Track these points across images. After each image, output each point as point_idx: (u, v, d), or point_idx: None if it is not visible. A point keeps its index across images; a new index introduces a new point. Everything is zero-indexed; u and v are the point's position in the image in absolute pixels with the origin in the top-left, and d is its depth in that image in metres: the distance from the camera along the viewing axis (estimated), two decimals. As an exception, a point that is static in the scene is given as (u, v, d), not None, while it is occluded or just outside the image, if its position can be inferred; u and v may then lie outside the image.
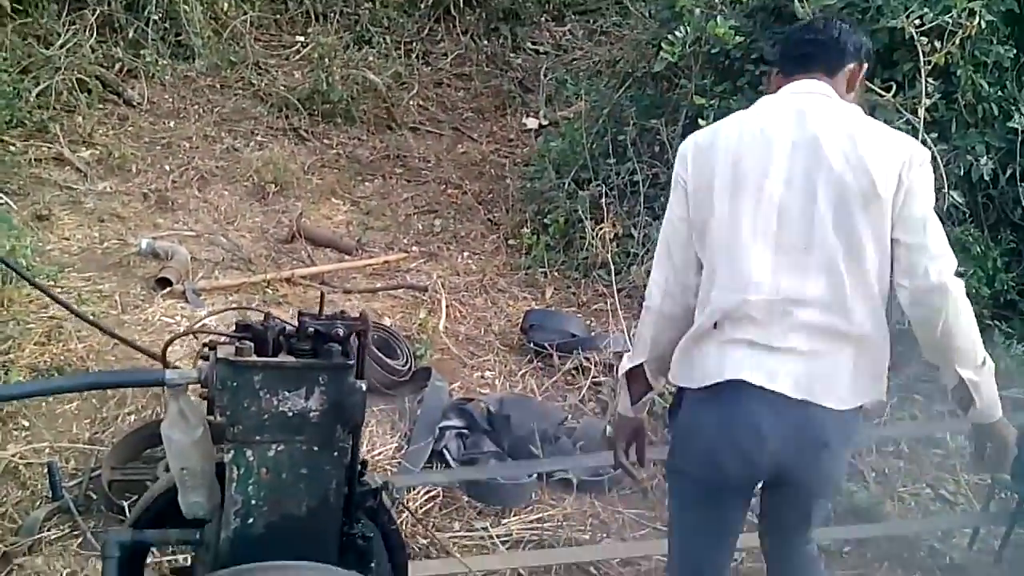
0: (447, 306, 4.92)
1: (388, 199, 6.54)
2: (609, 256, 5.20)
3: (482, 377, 4.38)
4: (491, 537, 3.22)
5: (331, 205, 6.29)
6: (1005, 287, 5.07)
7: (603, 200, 5.69)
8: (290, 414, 1.92)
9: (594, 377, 4.35)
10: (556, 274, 5.56)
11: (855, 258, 2.07)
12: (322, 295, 2.21)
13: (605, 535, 3.38)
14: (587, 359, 4.42)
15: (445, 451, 3.60)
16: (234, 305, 4.40)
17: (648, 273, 5.25)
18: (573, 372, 4.43)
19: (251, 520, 1.95)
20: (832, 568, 3.36)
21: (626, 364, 2.38)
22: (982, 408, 2.12)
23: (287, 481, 1.96)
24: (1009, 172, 4.91)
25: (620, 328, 4.73)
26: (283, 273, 4.91)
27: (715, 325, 2.15)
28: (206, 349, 1.97)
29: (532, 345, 4.58)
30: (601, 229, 5.42)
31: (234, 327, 2.02)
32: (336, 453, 1.98)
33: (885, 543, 3.60)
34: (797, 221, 2.11)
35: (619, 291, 5.36)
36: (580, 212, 5.70)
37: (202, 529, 2.00)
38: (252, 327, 1.96)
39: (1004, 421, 2.20)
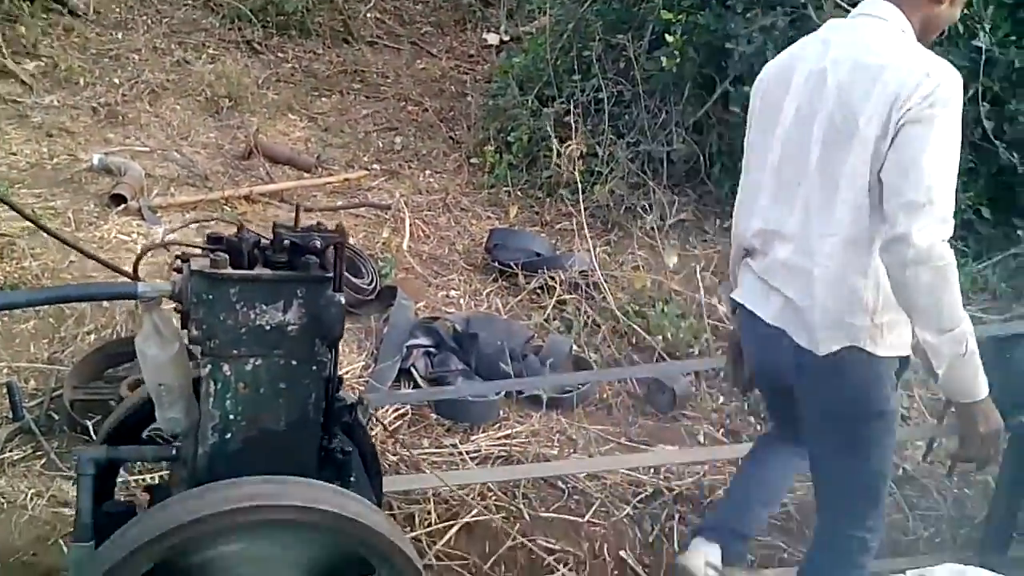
0: (411, 225, 4.86)
1: (346, 115, 6.40)
2: (577, 175, 5.16)
3: (447, 296, 4.36)
4: (460, 453, 3.24)
5: (287, 121, 6.14)
6: (962, 206, 5.14)
7: (568, 118, 5.61)
8: (267, 328, 1.88)
9: (559, 296, 4.35)
10: (519, 193, 5.51)
11: (828, 196, 2.06)
12: (297, 207, 2.16)
13: (572, 451, 3.42)
14: (552, 278, 4.41)
15: (413, 369, 3.59)
16: (194, 222, 4.29)
17: (612, 192, 5.24)
18: (538, 291, 4.42)
19: (229, 435, 1.92)
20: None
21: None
22: (944, 380, 1.98)
23: (265, 395, 1.92)
24: (971, 91, 4.94)
25: (586, 247, 4.73)
26: (241, 190, 4.79)
27: (742, 250, 2.33)
28: (179, 262, 1.92)
29: (497, 264, 4.56)
30: (568, 147, 5.36)
31: (205, 240, 1.98)
32: (314, 367, 1.95)
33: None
34: (795, 156, 2.12)
35: (584, 210, 5.35)
36: (544, 130, 5.64)
37: (178, 444, 1.98)
38: (227, 239, 1.91)
39: (984, 406, 2.02)
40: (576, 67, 5.80)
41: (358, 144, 5.97)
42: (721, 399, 3.96)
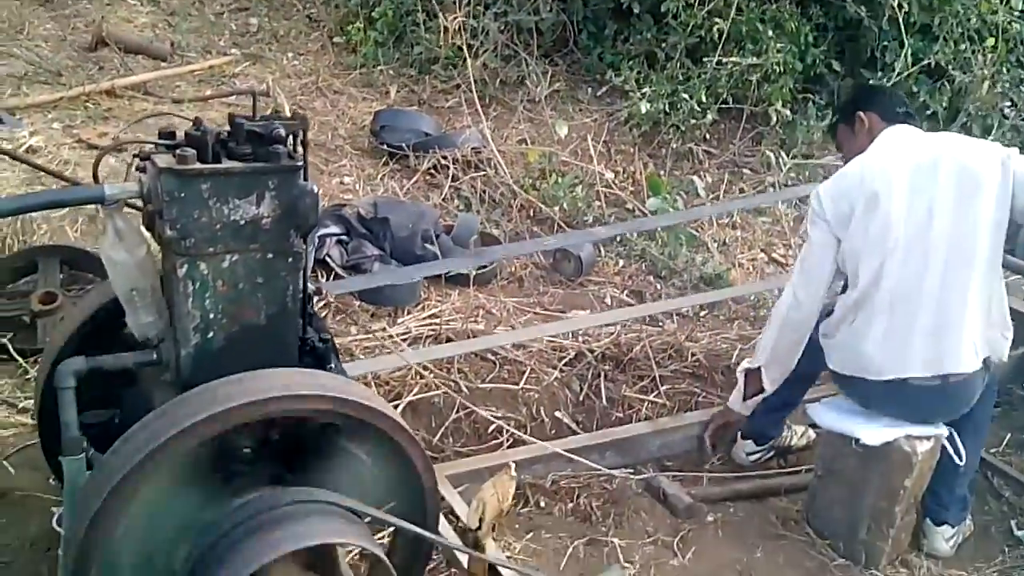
0: (290, 111, 4.68)
1: (189, -2, 5.99)
2: (453, 49, 5.07)
3: (341, 183, 4.28)
4: (390, 337, 3.27)
5: (128, 7, 5.70)
6: (815, 61, 5.42)
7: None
8: (242, 222, 1.83)
9: (454, 175, 4.35)
10: (392, 72, 5.38)
11: None
12: (254, 94, 2.07)
13: (495, 324, 3.51)
14: (444, 158, 4.40)
15: (328, 259, 3.54)
16: (72, 121, 3.98)
17: (486, 65, 5.16)
18: (432, 171, 4.41)
19: (211, 334, 1.88)
20: (691, 329, 3.70)
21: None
22: None
23: (244, 291, 1.88)
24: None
25: (472, 124, 4.71)
26: (102, 85, 4.45)
27: None
28: (139, 161, 1.82)
29: (385, 147, 4.48)
30: (436, 21, 5.24)
31: (158, 137, 1.88)
32: (291, 259, 1.92)
33: (733, 304, 3.96)
34: None
35: (456, 87, 5.30)
36: (410, 4, 5.47)
37: (157, 348, 1.92)
38: (188, 134, 1.82)
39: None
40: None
41: (211, 27, 5.62)
42: (621, 263, 4.14)
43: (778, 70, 5.09)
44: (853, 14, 5.36)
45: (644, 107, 4.91)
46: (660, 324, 3.70)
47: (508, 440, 2.99)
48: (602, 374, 3.34)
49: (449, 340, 3.33)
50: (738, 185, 4.93)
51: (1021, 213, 2.54)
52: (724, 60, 5.07)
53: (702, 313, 3.88)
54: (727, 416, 3.01)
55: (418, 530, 1.85)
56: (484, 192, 4.32)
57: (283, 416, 1.74)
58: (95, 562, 1.61)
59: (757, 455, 3.11)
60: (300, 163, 1.86)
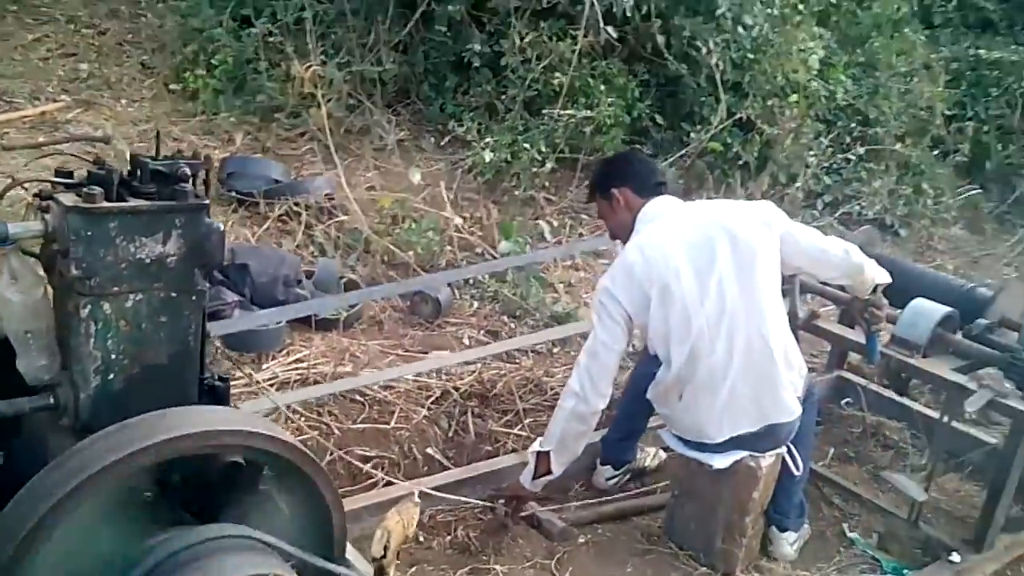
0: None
1: (11, 41, 5.72)
2: (300, 99, 5.11)
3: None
4: (257, 382, 3.26)
5: (-59, 51, 5.38)
6: (641, 115, 5.85)
7: (272, 39, 5.50)
8: (147, 261, 1.84)
9: (308, 221, 4.38)
10: (234, 119, 5.34)
11: None
12: (158, 133, 2.08)
13: (362, 366, 3.56)
14: (296, 204, 4.42)
15: (187, 304, 3.48)
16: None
17: (331, 114, 5.20)
18: (283, 218, 4.41)
19: (111, 376, 1.86)
20: (547, 364, 3.89)
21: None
22: None
23: (147, 331, 1.89)
24: (644, 9, 5.57)
25: (322, 171, 4.76)
26: (-74, 129, 4.20)
27: None
28: (40, 201, 1.80)
29: (234, 194, 4.46)
30: (279, 69, 5.28)
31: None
32: (194, 297, 1.94)
33: (581, 340, 4.17)
34: None
35: (302, 135, 5.34)
36: (250, 52, 5.48)
37: (53, 392, 1.87)
38: (92, 173, 1.82)
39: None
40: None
41: (37, 73, 5.39)
42: (476, 304, 4.29)
43: (609, 122, 5.47)
44: (674, 71, 5.84)
45: (488, 156, 5.13)
46: (517, 361, 3.87)
47: (382, 481, 3.04)
48: (468, 410, 3.46)
49: (317, 383, 3.36)
50: (578, 230, 5.22)
51: (788, 267, 2.87)
52: (560, 113, 5.38)
53: (555, 349, 4.08)
54: (518, 491, 3.02)
55: (330, 566, 1.89)
56: (339, 238, 4.37)
57: (202, 453, 1.75)
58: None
59: (615, 479, 3.30)
60: (206, 201, 1.90)
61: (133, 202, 1.82)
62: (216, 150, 5.05)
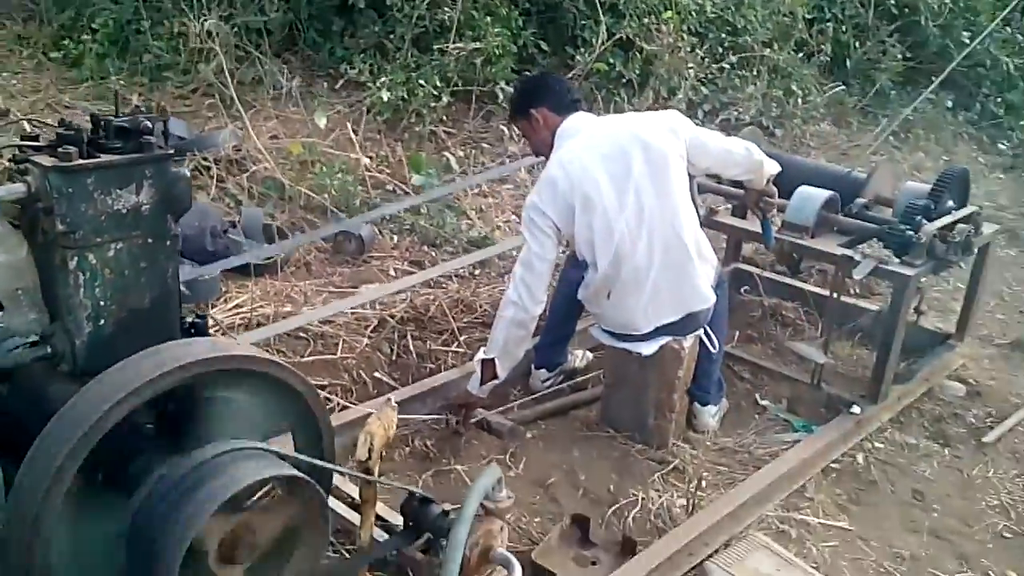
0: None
1: None
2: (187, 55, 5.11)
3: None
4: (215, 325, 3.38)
5: None
6: (526, 42, 6.04)
7: (151, -2, 5.46)
8: (124, 211, 1.99)
9: (219, 175, 4.45)
10: (123, 82, 5.30)
11: None
12: (116, 93, 2.18)
13: (300, 305, 3.72)
14: (205, 159, 4.48)
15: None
16: None
17: (221, 68, 5.24)
18: (195, 173, 4.46)
19: (102, 322, 2.02)
20: (473, 286, 4.13)
21: None
22: None
23: (129, 277, 2.04)
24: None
25: (225, 124, 4.81)
26: None
27: None
28: (16, 165, 1.91)
29: (142, 154, 4.47)
30: (163, 27, 5.25)
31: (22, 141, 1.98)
32: (169, 242, 2.10)
33: (499, 261, 4.43)
34: None
35: (194, 91, 5.35)
36: (130, 12, 5.42)
37: (51, 342, 2.01)
38: (61, 135, 1.94)
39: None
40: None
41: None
42: (396, 238, 4.47)
43: (497, 52, 5.64)
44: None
45: (385, 95, 5.26)
46: (444, 286, 4.09)
47: (338, 407, 3.23)
48: (407, 334, 3.67)
49: (261, 325, 3.51)
50: (480, 159, 5.42)
51: (697, 168, 3.18)
52: (450, 47, 5.53)
53: (476, 272, 4.32)
54: (467, 398, 3.21)
55: (328, 465, 2.10)
56: (251, 188, 4.46)
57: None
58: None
59: (550, 380, 3.59)
60: (171, 151, 2.04)
61: (106, 157, 1.95)
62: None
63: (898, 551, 2.88)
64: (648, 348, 3.12)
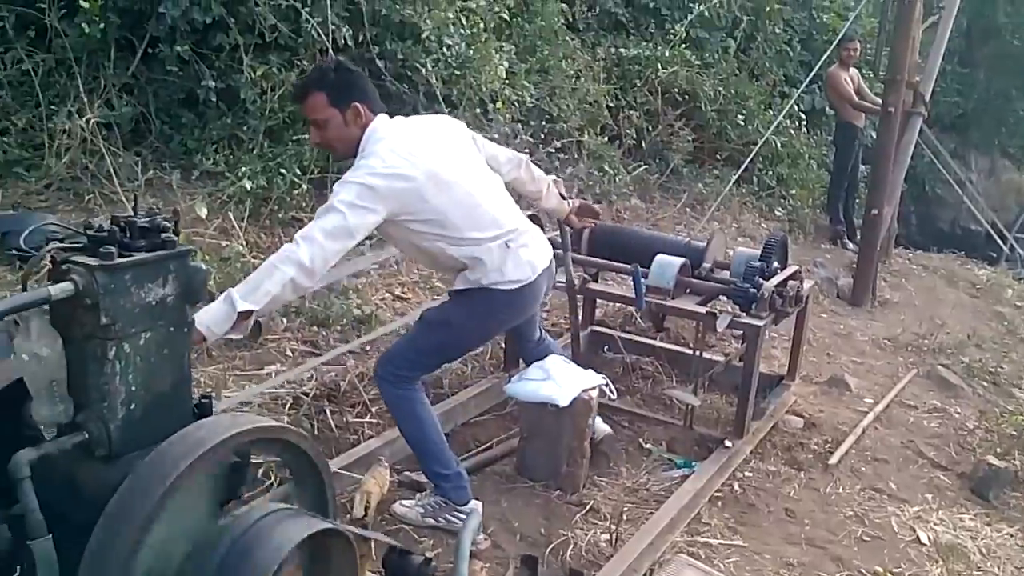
0: None
1: None
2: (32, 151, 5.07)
3: (-17, 292, 4.14)
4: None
5: None
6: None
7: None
8: (153, 303, 2.16)
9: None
10: (-33, 179, 5.15)
11: None
12: (136, 196, 2.34)
13: (211, 388, 3.82)
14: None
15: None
16: None
17: (74, 163, 5.16)
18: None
19: (133, 406, 2.16)
20: (370, 361, 4.38)
21: None
22: None
23: (155, 363, 2.20)
24: (360, 37, 6.13)
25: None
26: None
27: None
28: (55, 265, 2.06)
29: (15, 251, 4.40)
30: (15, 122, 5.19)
31: (50, 244, 2.13)
32: (186, 329, 2.28)
33: (386, 337, 4.71)
34: None
35: (47, 187, 5.30)
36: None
37: (88, 428, 2.12)
38: (93, 236, 2.10)
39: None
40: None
41: None
42: (285, 320, 4.64)
43: (350, 141, 5.95)
44: (396, 90, 6.46)
45: (248, 184, 5.42)
46: (343, 363, 4.31)
47: (276, 480, 3.38)
48: (324, 410, 3.87)
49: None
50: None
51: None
52: (304, 138, 5.79)
53: (367, 348, 4.56)
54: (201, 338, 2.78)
55: (360, 531, 2.33)
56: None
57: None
58: None
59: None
60: (192, 247, 2.24)
61: (139, 255, 2.13)
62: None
63: (787, 560, 3.41)
64: (564, 398, 3.51)
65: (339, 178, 5.68)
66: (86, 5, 5.42)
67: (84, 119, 5.41)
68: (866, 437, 4.56)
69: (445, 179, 3.11)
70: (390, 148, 3.05)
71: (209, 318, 2.80)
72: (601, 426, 3.92)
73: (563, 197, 3.80)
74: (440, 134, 3.29)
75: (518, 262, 3.24)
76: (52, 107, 5.47)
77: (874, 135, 8.83)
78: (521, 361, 4.02)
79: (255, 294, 2.84)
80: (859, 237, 8.21)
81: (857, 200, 9.50)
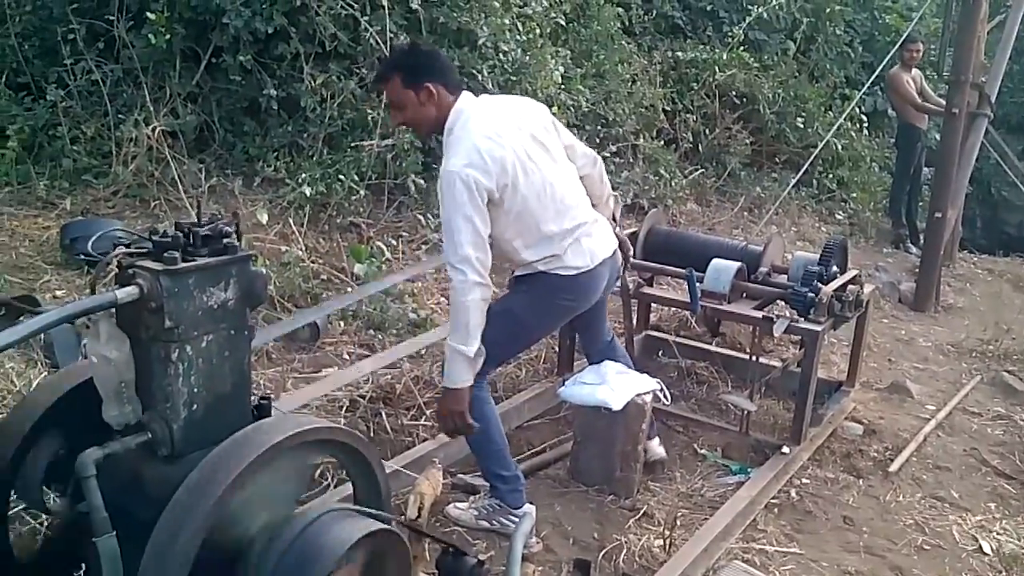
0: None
1: None
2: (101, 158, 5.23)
3: (55, 298, 4.28)
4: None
5: None
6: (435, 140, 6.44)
7: (66, 103, 5.56)
8: (215, 307, 2.23)
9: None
10: (43, 186, 5.33)
11: None
12: (199, 202, 2.42)
13: (270, 391, 3.91)
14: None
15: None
16: None
17: (140, 171, 5.33)
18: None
19: (195, 407, 2.23)
20: (426, 364, 4.42)
21: None
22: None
23: (216, 365, 2.27)
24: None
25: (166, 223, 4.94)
26: None
27: None
28: (119, 270, 2.14)
29: (83, 257, 4.55)
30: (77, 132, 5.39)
31: (117, 249, 2.21)
32: (247, 332, 2.34)
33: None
34: None
35: (115, 193, 5.46)
36: (44, 119, 5.50)
37: (152, 428, 2.19)
38: (158, 242, 2.17)
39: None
40: (61, 51, 5.69)
41: None
42: (343, 324, 4.72)
43: (406, 148, 6.04)
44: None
45: (307, 191, 5.53)
46: (399, 366, 4.37)
47: (334, 482, 3.45)
48: (380, 412, 3.92)
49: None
50: (400, 248, 5.74)
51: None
52: (363, 144, 5.89)
53: (422, 352, 4.61)
54: (457, 400, 3.04)
55: (422, 530, 2.37)
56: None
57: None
58: None
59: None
60: (252, 252, 2.31)
61: (202, 260, 2.20)
62: (39, 218, 5.07)
63: (845, 568, 3.36)
64: (616, 402, 3.51)
65: (397, 184, 5.97)
66: (153, 17, 5.59)
67: (150, 127, 5.57)
68: (928, 444, 4.47)
69: (527, 165, 3.09)
70: (481, 132, 3.02)
71: (457, 376, 3.02)
72: (657, 449, 3.92)
73: (614, 219, 3.68)
74: (523, 116, 3.22)
75: (578, 250, 3.24)
76: (120, 116, 5.64)
77: (937, 137, 8.65)
78: (586, 359, 3.99)
79: (468, 333, 2.97)
80: (922, 241, 8.03)
81: (920, 203, 9.29)
